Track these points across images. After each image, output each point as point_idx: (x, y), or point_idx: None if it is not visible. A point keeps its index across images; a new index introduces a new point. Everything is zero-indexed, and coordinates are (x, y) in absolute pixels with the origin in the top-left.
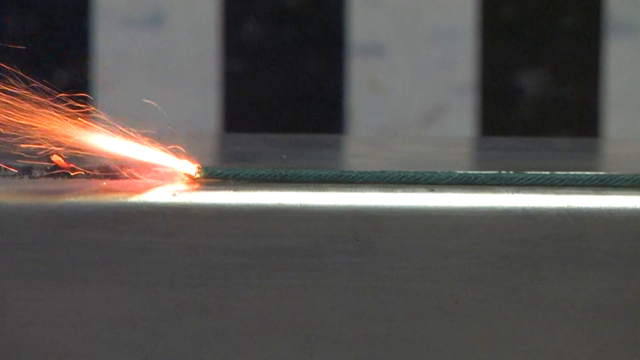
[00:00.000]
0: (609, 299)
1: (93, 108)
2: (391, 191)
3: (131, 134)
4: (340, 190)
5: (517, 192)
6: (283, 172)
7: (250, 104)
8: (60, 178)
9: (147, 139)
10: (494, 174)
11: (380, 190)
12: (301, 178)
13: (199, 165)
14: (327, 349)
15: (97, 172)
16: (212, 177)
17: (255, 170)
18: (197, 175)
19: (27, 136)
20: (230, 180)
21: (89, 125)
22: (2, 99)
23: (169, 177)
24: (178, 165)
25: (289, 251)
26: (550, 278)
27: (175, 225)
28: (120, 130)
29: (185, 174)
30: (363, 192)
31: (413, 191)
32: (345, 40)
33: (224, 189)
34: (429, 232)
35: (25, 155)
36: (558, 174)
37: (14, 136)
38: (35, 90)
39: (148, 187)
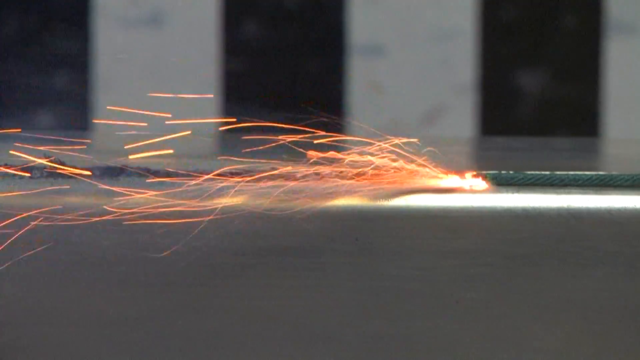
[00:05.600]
0: (609, 299)
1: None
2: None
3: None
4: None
5: (517, 192)
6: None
7: (250, 105)
8: (60, 178)
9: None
10: (494, 174)
11: (380, 190)
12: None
13: (483, 170)
14: (327, 349)
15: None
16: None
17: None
18: (483, 180)
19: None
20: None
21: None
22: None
23: (457, 182)
24: (463, 170)
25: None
26: (550, 278)
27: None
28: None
29: (473, 178)
30: (364, 192)
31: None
32: (345, 40)
33: (510, 192)
34: (429, 232)
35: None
36: (558, 174)
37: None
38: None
39: (442, 191)
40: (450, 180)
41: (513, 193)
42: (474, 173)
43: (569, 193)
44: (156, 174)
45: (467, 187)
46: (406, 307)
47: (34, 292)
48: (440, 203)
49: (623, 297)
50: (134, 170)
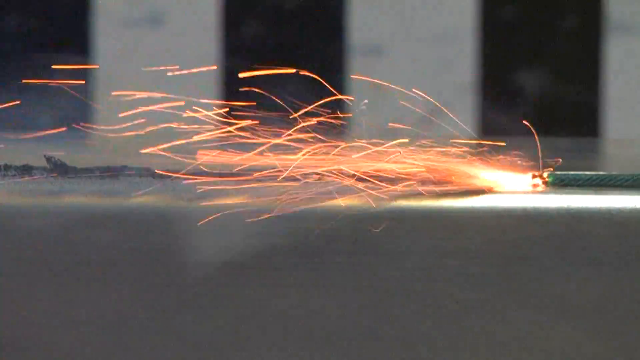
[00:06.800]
0: (608, 299)
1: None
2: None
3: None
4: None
5: (518, 192)
6: (571, 175)
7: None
8: (60, 178)
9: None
10: (555, 174)
11: (379, 190)
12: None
13: (546, 171)
14: (327, 349)
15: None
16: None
17: (603, 174)
18: (545, 181)
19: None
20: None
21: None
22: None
23: (517, 182)
24: (524, 171)
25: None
26: (550, 278)
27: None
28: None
29: (535, 179)
30: (364, 192)
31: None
32: (345, 40)
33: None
34: (429, 232)
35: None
36: (558, 174)
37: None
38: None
39: (504, 192)
40: (508, 180)
41: (514, 193)
42: (534, 173)
43: (569, 193)
44: (155, 174)
45: (525, 187)
46: (406, 307)
47: (33, 292)
48: (440, 203)
49: (623, 297)
50: (134, 170)
